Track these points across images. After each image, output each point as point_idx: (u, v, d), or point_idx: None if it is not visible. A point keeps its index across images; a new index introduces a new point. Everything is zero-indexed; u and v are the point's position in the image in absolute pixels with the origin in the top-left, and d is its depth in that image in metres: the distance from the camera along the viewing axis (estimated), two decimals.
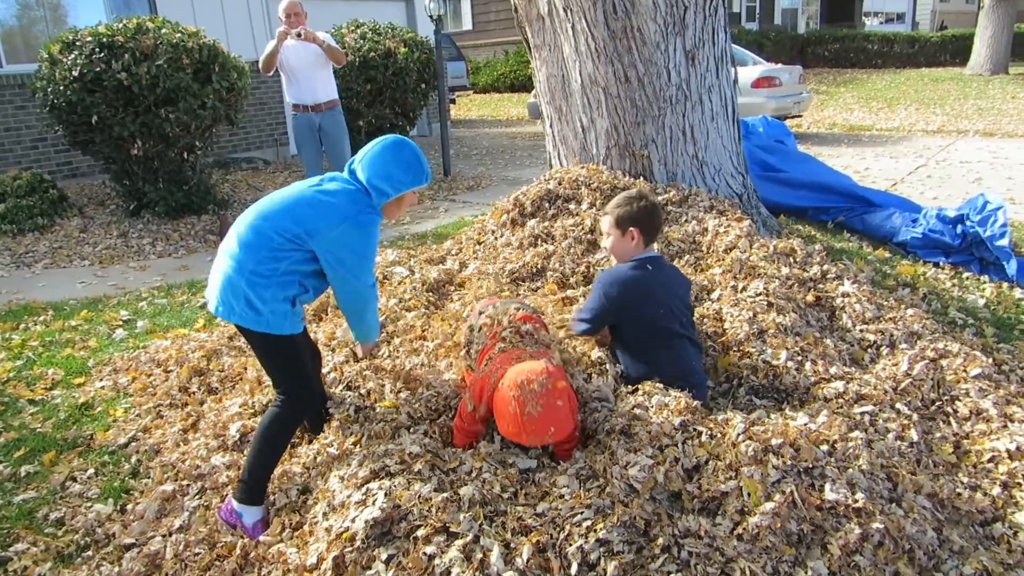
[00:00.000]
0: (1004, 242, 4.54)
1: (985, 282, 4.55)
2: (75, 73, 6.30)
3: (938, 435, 2.70)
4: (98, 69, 6.27)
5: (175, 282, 5.45)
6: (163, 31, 6.63)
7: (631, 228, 2.78)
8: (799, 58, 23.62)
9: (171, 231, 6.82)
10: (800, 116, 12.62)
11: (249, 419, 3.01)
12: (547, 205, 4.15)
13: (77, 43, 6.41)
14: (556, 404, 2.23)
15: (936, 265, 4.77)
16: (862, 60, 23.92)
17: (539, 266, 3.70)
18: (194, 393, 3.49)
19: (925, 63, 23.42)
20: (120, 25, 6.58)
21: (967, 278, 4.62)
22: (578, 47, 4.09)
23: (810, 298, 3.49)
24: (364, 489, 2.12)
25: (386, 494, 2.12)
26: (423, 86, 9.05)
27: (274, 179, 9.40)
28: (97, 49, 6.35)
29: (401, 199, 2.57)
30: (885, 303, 3.53)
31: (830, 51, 24.39)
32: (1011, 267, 4.50)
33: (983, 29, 19.01)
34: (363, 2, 12.07)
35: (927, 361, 3.02)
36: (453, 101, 17.77)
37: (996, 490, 2.45)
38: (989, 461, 2.59)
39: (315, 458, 2.54)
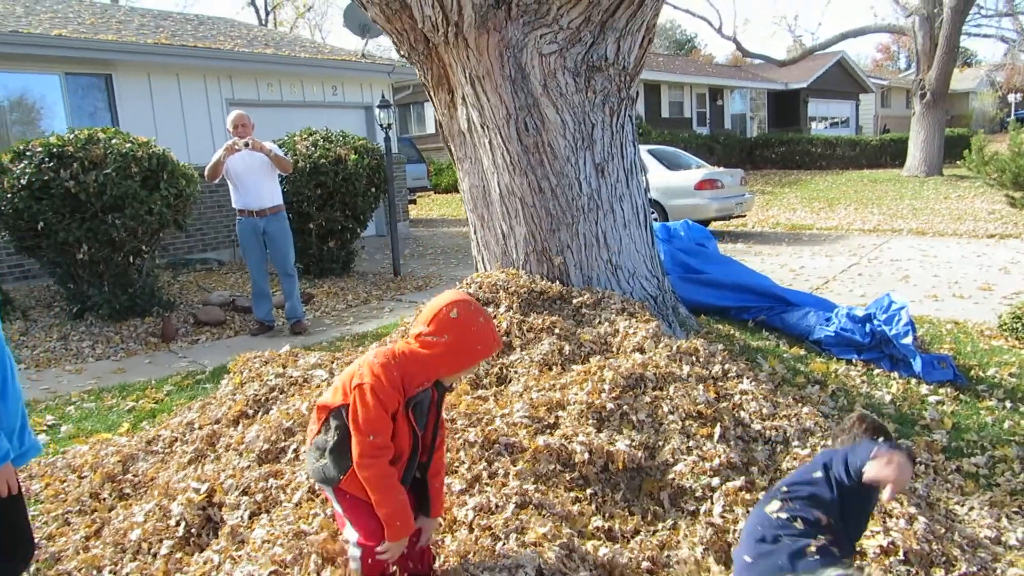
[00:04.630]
0: (908, 340, 4.76)
1: (894, 378, 4.73)
2: (23, 181, 6.46)
3: None
4: (46, 178, 6.44)
5: (107, 385, 5.45)
6: (114, 141, 6.86)
7: None
8: (748, 160, 24.81)
9: (113, 333, 6.83)
10: (743, 216, 13.15)
11: (151, 526, 3.01)
12: None
13: (27, 153, 6.60)
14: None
15: (849, 362, 4.96)
16: (807, 162, 25.20)
17: None
18: (104, 499, 3.47)
19: (866, 164, 24.73)
20: (71, 136, 6.80)
21: (877, 375, 4.80)
22: (495, 160, 4.35)
23: (711, 395, 3.62)
24: None
25: None
26: (373, 190, 9.36)
27: (225, 280, 9.51)
28: (47, 159, 6.54)
29: None
30: (782, 401, 3.68)
31: (777, 153, 25.69)
32: (917, 364, 4.70)
33: (916, 134, 20.26)
34: (324, 109, 12.60)
35: None
36: (413, 201, 18.26)
37: None
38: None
39: (204, 564, 2.54)
